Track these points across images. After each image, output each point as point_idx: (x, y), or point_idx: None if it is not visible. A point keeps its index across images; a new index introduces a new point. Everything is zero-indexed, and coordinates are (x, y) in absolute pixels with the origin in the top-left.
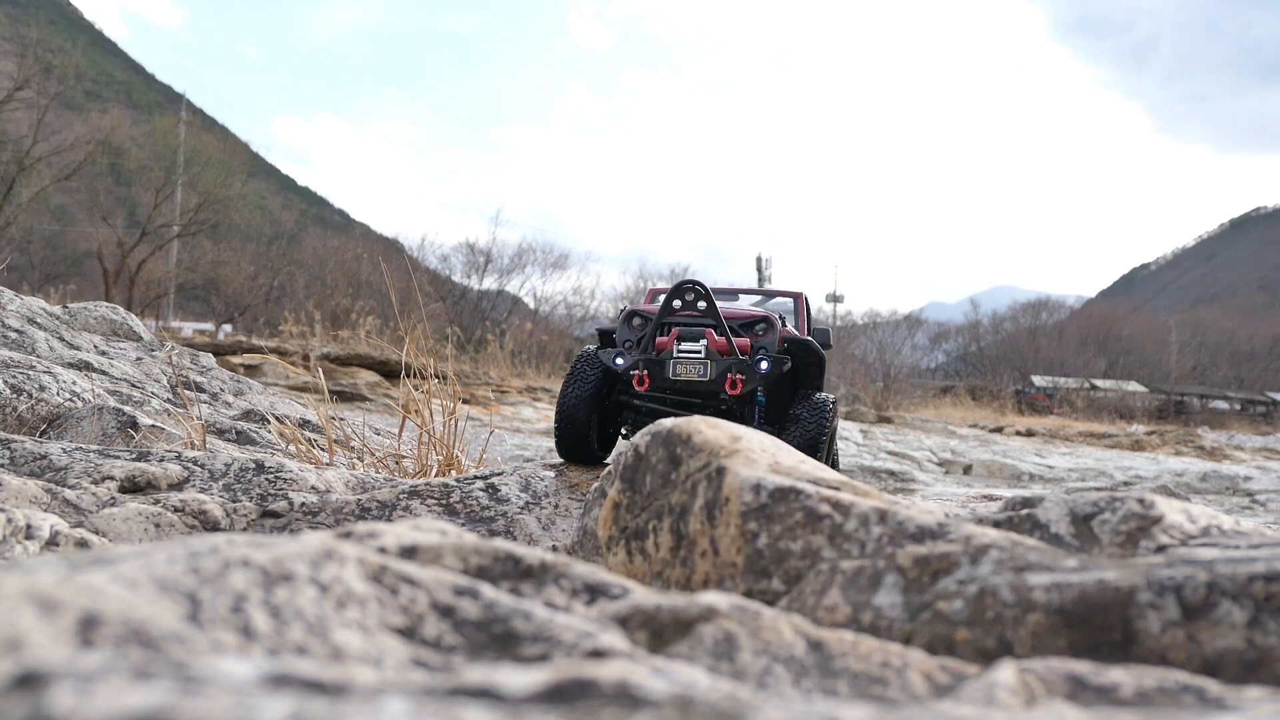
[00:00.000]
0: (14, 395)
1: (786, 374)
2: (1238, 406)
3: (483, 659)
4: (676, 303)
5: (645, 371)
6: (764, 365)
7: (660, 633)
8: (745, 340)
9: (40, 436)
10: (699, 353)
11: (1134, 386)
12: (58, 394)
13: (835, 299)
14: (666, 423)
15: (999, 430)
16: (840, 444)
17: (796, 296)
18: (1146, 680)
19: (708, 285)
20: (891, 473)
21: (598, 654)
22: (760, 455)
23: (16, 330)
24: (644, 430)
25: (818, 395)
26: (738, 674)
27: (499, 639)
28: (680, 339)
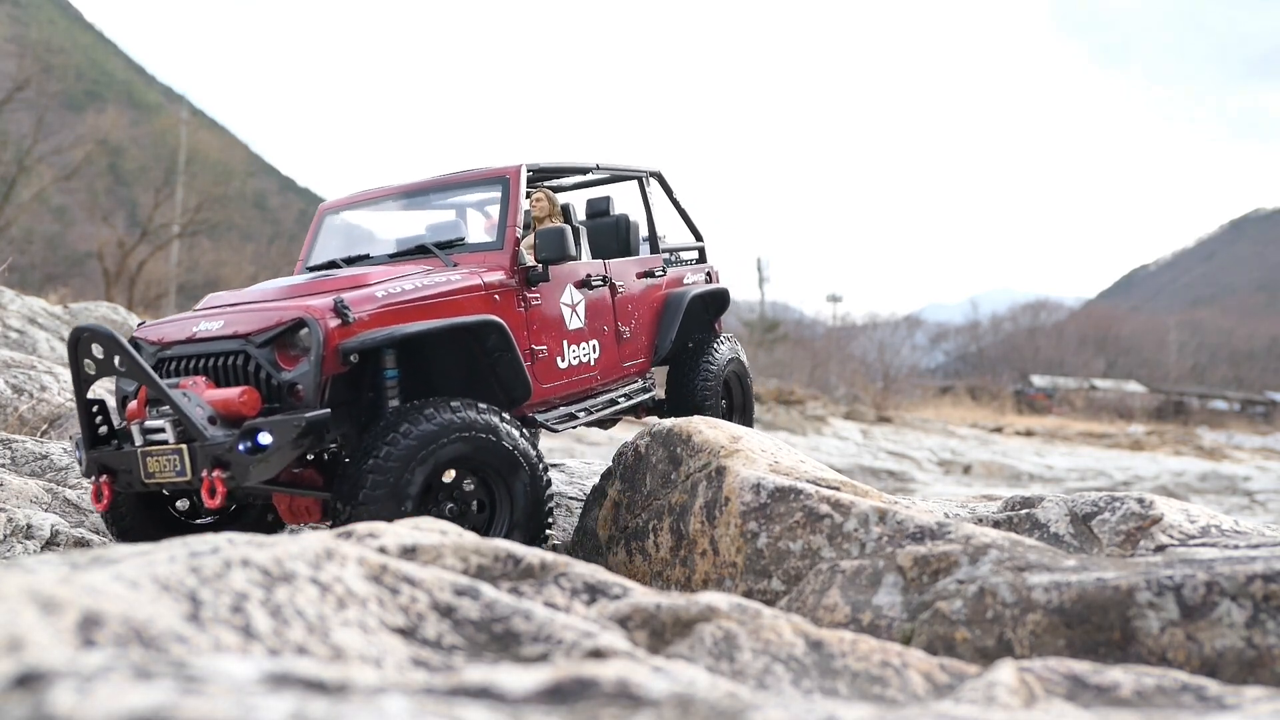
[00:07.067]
0: (15, 395)
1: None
2: (1237, 406)
3: (483, 658)
4: (89, 365)
5: (104, 479)
6: (263, 439)
7: (660, 632)
8: (239, 394)
9: (41, 436)
10: (166, 434)
11: (1133, 386)
12: (59, 394)
13: (834, 299)
14: (666, 422)
15: (998, 430)
16: (840, 444)
17: (504, 180)
18: (1146, 680)
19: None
20: (891, 473)
21: (598, 654)
22: (760, 455)
23: (18, 330)
24: (643, 430)
25: (712, 340)
26: (738, 673)
27: (499, 638)
28: (149, 404)
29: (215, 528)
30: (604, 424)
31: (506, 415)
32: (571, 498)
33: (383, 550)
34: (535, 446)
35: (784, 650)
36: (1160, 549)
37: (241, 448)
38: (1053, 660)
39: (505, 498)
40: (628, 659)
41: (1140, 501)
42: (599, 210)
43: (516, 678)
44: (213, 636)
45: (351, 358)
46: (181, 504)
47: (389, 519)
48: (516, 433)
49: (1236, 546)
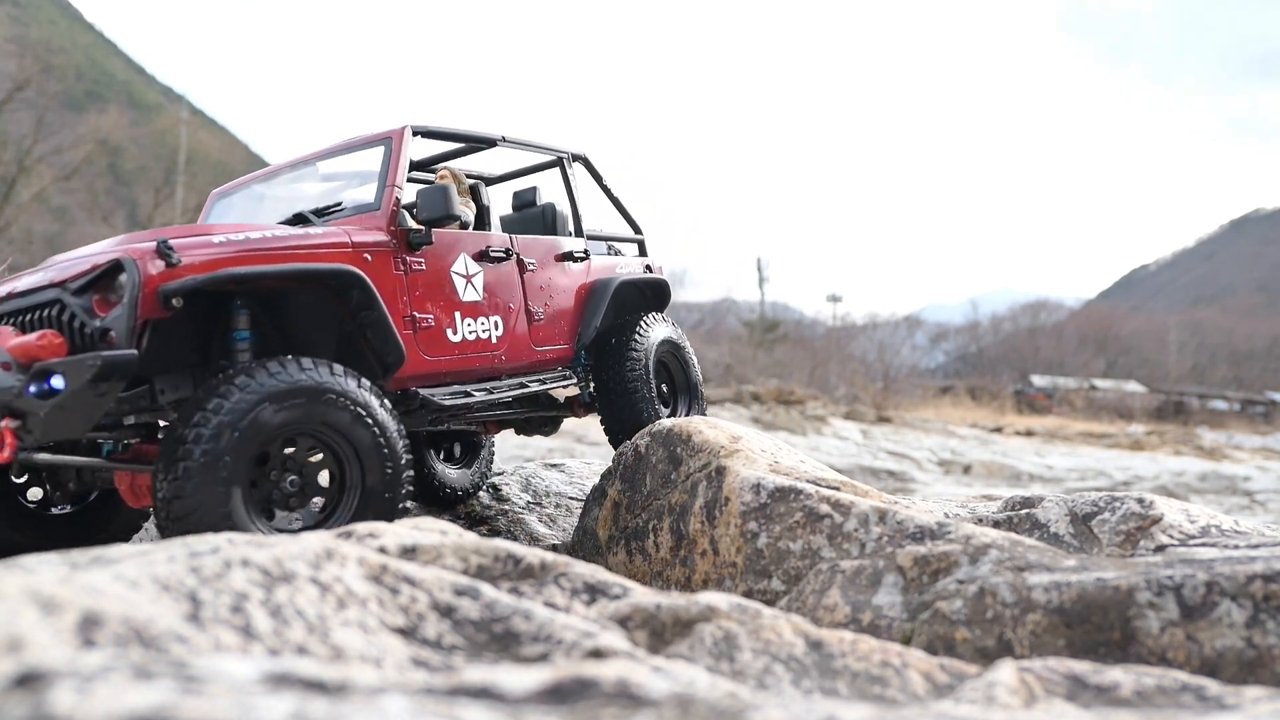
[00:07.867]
0: None
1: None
2: (1237, 406)
3: (483, 658)
4: None
5: None
6: (55, 381)
7: (660, 632)
8: (37, 338)
9: None
10: None
11: (1133, 386)
12: None
13: (834, 299)
14: (666, 422)
15: (998, 430)
16: (840, 444)
17: (388, 140)
18: (1146, 680)
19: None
20: (891, 473)
21: (598, 653)
22: (760, 455)
23: None
24: (643, 430)
25: (639, 319)
26: (738, 673)
27: (499, 638)
28: None
29: (71, 519)
30: (544, 428)
31: (337, 366)
32: (571, 498)
33: (383, 550)
34: (383, 402)
35: (784, 650)
36: (1160, 549)
37: (31, 390)
38: (1053, 660)
39: (355, 465)
40: (628, 659)
41: (1140, 501)
42: (526, 201)
43: (516, 678)
44: (213, 636)
45: (174, 301)
46: (34, 493)
47: (210, 494)
48: (353, 383)
49: (1236, 546)
